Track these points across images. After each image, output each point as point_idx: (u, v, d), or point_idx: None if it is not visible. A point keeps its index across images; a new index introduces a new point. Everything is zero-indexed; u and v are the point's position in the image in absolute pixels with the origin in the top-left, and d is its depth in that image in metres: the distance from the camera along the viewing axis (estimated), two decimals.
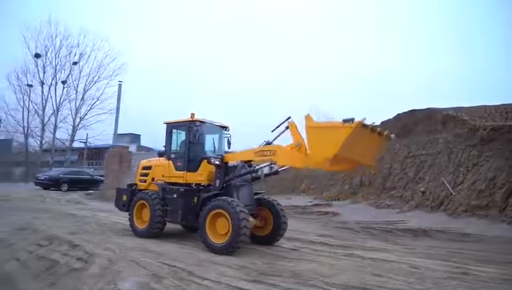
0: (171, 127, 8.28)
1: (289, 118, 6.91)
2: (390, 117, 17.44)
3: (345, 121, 5.61)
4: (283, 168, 7.70)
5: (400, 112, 16.89)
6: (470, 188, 11.47)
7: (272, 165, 7.55)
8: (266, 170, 7.60)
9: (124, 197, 8.72)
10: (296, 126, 6.69)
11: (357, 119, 5.57)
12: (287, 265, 5.92)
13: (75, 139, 40.12)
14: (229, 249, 6.41)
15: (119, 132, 41.29)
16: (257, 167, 7.34)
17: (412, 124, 16.04)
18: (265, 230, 7.72)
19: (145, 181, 8.64)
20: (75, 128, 39.34)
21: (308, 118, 6.19)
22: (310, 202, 15.55)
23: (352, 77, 73.06)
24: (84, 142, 41.08)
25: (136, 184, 8.93)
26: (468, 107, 15.64)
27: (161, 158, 8.56)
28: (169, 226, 8.42)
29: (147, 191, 8.18)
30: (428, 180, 13.10)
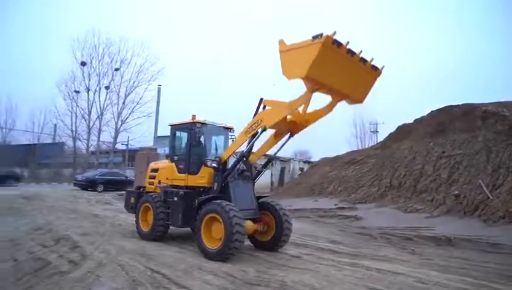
0: (174, 129, 8.22)
1: (261, 99, 6.70)
2: (424, 114, 16.34)
3: (314, 37, 5.36)
4: (276, 153, 7.38)
5: (433, 109, 15.74)
6: (510, 191, 10.32)
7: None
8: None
9: (132, 200, 8.80)
10: (271, 100, 6.58)
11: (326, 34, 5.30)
12: (278, 274, 5.55)
13: (117, 141, 42.21)
14: (222, 255, 6.16)
15: (161, 134, 42.87)
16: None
17: (448, 122, 14.83)
18: (268, 235, 7.39)
19: (153, 184, 8.65)
20: (117, 131, 41.44)
21: (281, 42, 5.98)
22: (336, 205, 14.87)
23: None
24: (125, 145, 42.98)
25: (145, 186, 8.99)
26: (511, 101, 14.10)
27: (167, 160, 8.54)
28: (180, 229, 8.29)
29: (151, 193, 8.17)
30: (463, 182, 11.97)
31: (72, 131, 41.56)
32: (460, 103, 14.82)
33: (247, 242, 7.66)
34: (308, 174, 21.53)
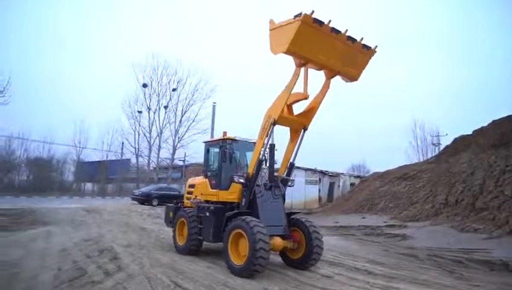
0: (208, 145, 8.49)
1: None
2: (485, 124, 14.94)
3: (295, 16, 5.86)
4: (296, 155, 7.46)
5: (495, 118, 14.32)
6: None
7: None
8: None
9: (171, 214, 9.17)
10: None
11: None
12: None
13: (175, 158, 44.39)
14: (247, 271, 6.14)
15: None
16: None
17: None
18: (299, 253, 7.20)
19: (190, 199, 8.94)
20: (175, 148, 43.63)
21: (271, 22, 6.51)
22: (384, 222, 14.07)
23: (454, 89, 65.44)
24: (182, 161, 45.01)
25: (183, 201, 9.32)
26: None
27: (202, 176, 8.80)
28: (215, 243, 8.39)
29: (186, 209, 8.46)
30: None
31: (135, 148, 44.67)
32: None
33: (279, 259, 7.56)
34: (358, 190, 20.67)
